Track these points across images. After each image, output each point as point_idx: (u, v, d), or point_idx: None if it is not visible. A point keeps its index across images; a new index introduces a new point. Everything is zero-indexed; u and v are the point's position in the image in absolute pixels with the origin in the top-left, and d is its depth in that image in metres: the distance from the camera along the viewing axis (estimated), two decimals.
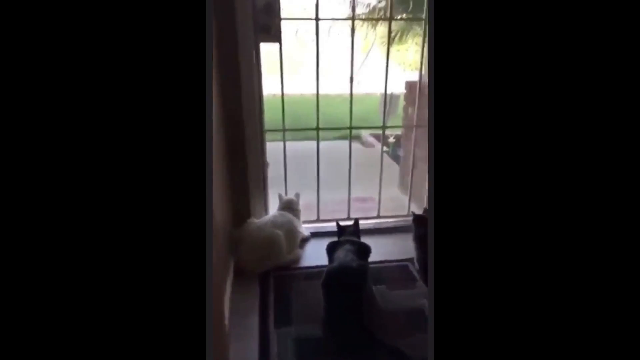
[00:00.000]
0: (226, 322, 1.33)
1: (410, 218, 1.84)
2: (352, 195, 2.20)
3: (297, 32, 1.63)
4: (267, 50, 1.79)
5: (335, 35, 1.61)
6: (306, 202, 2.13)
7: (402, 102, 3.00)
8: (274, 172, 2.06)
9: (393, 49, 7.26)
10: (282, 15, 1.70)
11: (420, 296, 1.54)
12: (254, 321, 1.40)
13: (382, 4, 5.19)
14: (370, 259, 1.62)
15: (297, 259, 1.81)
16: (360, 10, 5.17)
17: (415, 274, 1.69)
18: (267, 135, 1.95)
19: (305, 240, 1.98)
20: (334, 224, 1.79)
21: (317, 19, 1.73)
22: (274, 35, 1.68)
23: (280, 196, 1.99)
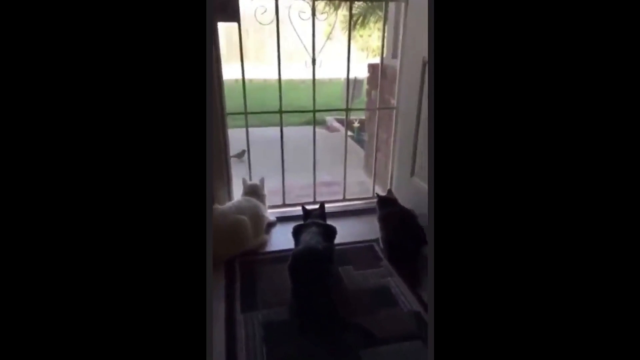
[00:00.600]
0: None
1: (375, 200, 1.88)
2: (318, 180, 2.20)
3: (255, 11, 1.56)
4: (228, 38, 1.73)
5: (296, 17, 1.56)
6: (271, 188, 2.10)
7: (365, 86, 3.02)
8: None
9: (356, 34, 7.26)
10: None
11: (386, 274, 1.57)
12: (221, 307, 1.38)
13: None
14: (336, 241, 1.64)
15: (263, 244, 1.79)
16: None
17: (380, 253, 1.73)
18: (230, 121, 1.89)
19: (271, 225, 1.96)
20: (300, 208, 1.78)
21: None
22: (232, 14, 1.62)
23: (244, 181, 1.95)
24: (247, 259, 1.66)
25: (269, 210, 2.01)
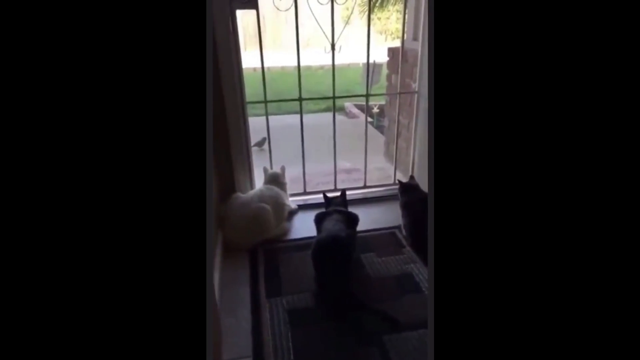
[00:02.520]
0: (216, 296, 1.33)
1: (397, 186, 1.86)
2: (338, 167, 2.19)
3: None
4: (244, 23, 1.72)
5: (315, 2, 1.54)
6: (292, 175, 2.11)
7: (384, 71, 2.96)
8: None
9: (374, 17, 7.09)
10: None
11: (408, 261, 1.57)
12: (246, 293, 1.41)
13: None
14: (358, 228, 1.64)
15: (285, 232, 1.81)
16: None
17: (403, 240, 1.72)
18: (250, 110, 1.90)
19: (292, 213, 1.97)
20: (321, 196, 1.79)
21: None
22: (250, 1, 1.61)
23: (265, 170, 1.97)
24: (270, 247, 1.68)
25: (291, 198, 2.03)
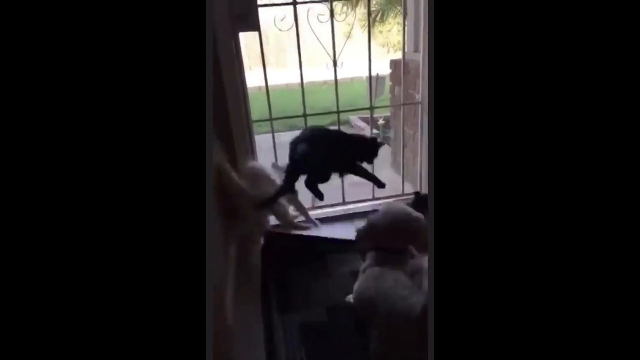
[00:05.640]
0: (230, 317, 1.33)
1: (405, 197, 1.85)
2: (346, 180, 2.19)
3: (274, 18, 1.59)
4: (248, 43, 1.76)
5: (315, 20, 1.58)
6: (300, 191, 2.11)
7: (388, 83, 2.98)
8: (265, 164, 2.03)
9: (375, 31, 7.19)
10: (259, 1, 1.66)
11: None
12: (257, 311, 1.40)
13: None
14: None
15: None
16: None
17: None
18: (256, 128, 1.92)
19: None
20: (329, 210, 1.78)
21: (294, 2, 1.69)
22: (252, 24, 1.65)
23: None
24: (280, 257, 1.68)
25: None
